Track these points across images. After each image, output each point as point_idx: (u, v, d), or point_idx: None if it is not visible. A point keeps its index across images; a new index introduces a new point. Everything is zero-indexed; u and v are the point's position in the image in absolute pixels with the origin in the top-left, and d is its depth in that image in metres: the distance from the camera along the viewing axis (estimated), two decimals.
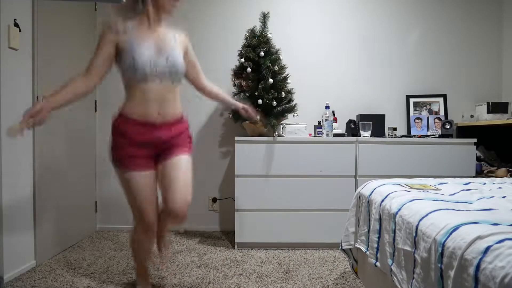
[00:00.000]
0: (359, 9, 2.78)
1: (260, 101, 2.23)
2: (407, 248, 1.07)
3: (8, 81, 1.78)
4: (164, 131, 1.41)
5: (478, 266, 0.74)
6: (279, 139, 2.28)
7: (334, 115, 2.65)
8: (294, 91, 2.42)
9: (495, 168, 2.43)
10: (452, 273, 0.81)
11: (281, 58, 2.38)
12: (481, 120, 2.54)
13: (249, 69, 2.27)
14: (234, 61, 2.41)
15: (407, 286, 1.06)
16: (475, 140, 2.33)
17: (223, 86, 2.47)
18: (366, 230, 1.47)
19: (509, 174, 2.29)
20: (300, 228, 2.29)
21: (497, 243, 0.75)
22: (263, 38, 2.34)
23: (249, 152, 2.27)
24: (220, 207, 2.79)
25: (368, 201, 1.46)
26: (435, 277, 0.89)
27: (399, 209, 1.18)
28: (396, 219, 1.17)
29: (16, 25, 1.83)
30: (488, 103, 2.50)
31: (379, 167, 2.30)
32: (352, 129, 2.45)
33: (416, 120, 2.71)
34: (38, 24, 1.98)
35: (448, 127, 2.42)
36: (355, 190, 2.20)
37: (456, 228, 0.87)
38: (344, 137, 2.35)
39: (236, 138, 2.28)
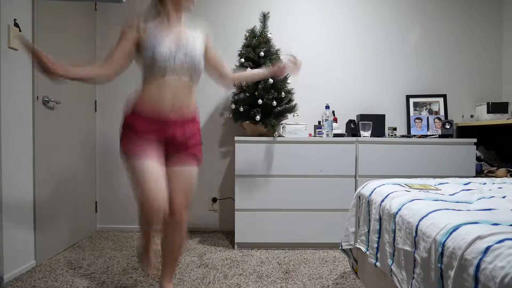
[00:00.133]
0: (359, 9, 2.78)
1: (260, 101, 2.23)
2: (407, 248, 1.07)
3: (8, 81, 1.78)
4: (178, 128, 1.41)
5: (478, 266, 0.74)
6: (279, 139, 2.28)
7: (334, 115, 2.65)
8: (294, 91, 2.42)
9: (495, 168, 2.43)
10: (452, 273, 0.81)
11: (281, 58, 2.38)
12: (481, 120, 2.54)
13: (249, 69, 2.27)
14: (234, 61, 2.41)
15: (407, 286, 1.06)
16: (475, 140, 2.33)
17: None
18: (366, 230, 1.47)
19: (509, 174, 2.29)
20: (300, 228, 2.29)
21: (497, 243, 0.75)
22: (263, 38, 2.34)
23: (249, 152, 2.27)
24: (220, 207, 2.79)
25: (368, 201, 1.46)
26: (435, 277, 0.89)
27: (399, 209, 1.18)
28: (396, 219, 1.17)
29: (16, 25, 1.82)
30: (488, 103, 2.50)
31: (379, 167, 2.30)
32: (352, 129, 2.45)
33: (416, 120, 2.71)
34: (38, 24, 1.98)
35: (448, 127, 2.42)
36: (355, 190, 2.20)
37: (456, 228, 0.87)
38: (344, 137, 2.35)
39: (236, 138, 2.28)
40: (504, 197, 1.24)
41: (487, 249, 0.75)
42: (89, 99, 2.63)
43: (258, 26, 2.41)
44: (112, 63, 1.36)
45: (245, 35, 2.42)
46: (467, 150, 2.32)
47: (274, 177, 2.29)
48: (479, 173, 2.43)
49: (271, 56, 2.31)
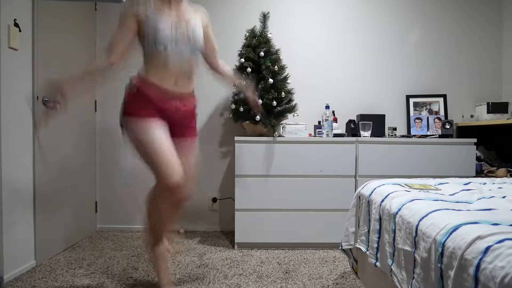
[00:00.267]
0: (359, 9, 2.78)
1: (260, 101, 2.23)
2: (407, 248, 1.07)
3: (8, 81, 1.78)
4: (179, 101, 1.50)
5: (478, 266, 0.74)
6: (279, 139, 2.28)
7: (334, 115, 2.65)
8: (294, 91, 2.42)
9: (495, 168, 2.44)
10: (452, 273, 0.81)
11: (281, 58, 2.38)
12: (481, 120, 2.54)
13: (249, 69, 2.27)
14: (234, 61, 2.41)
15: (407, 286, 1.06)
16: (475, 140, 2.33)
17: (223, 86, 2.48)
18: (366, 230, 1.47)
19: (509, 174, 2.29)
20: (300, 228, 2.29)
21: (497, 243, 0.75)
22: (263, 38, 2.34)
23: (249, 152, 2.27)
24: (220, 207, 2.79)
25: (368, 201, 1.46)
26: (435, 277, 0.89)
27: (399, 209, 1.18)
28: (396, 219, 1.17)
29: (16, 25, 1.82)
30: (488, 103, 2.50)
31: (379, 167, 2.30)
32: (352, 129, 2.45)
33: (416, 120, 2.71)
34: (38, 24, 1.98)
35: (448, 127, 2.42)
36: (355, 190, 2.20)
37: (456, 228, 0.87)
38: (344, 137, 2.35)
39: (236, 138, 2.28)
40: (504, 197, 1.24)
41: (487, 249, 0.75)
42: (89, 99, 2.63)
43: (258, 26, 2.41)
44: (115, 52, 1.40)
45: (245, 35, 2.42)
46: (467, 150, 2.32)
47: (274, 177, 2.29)
48: (479, 173, 2.43)
49: (271, 56, 2.31)
